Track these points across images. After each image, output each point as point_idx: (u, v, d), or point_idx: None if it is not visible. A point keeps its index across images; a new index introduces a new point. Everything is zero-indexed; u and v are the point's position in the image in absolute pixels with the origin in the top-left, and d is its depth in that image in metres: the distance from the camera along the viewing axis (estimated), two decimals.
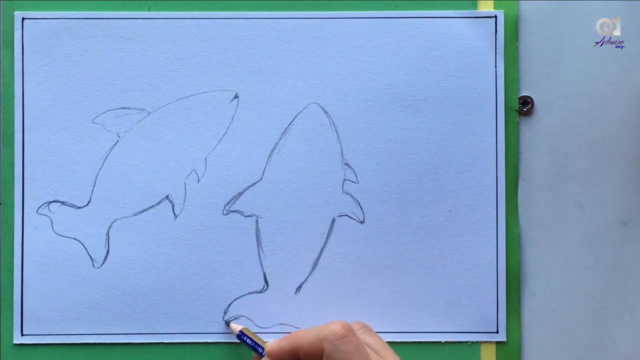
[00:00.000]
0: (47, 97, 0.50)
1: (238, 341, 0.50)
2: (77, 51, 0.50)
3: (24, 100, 0.50)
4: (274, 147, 0.50)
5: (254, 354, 0.48)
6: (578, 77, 0.51)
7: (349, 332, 0.42)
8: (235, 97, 0.50)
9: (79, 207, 0.50)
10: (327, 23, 0.50)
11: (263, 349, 0.47)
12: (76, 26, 0.50)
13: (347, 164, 0.50)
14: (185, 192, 0.50)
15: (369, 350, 0.43)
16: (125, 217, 0.50)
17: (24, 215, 0.50)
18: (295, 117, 0.50)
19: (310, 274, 0.50)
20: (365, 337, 0.45)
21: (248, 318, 0.50)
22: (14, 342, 0.50)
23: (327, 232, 0.50)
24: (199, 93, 0.50)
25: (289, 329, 0.50)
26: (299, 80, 0.50)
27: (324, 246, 0.50)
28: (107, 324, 0.50)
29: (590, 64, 0.51)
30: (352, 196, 0.50)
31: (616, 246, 0.51)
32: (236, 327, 0.49)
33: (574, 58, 0.51)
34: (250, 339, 0.48)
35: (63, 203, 0.50)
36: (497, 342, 0.50)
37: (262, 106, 0.50)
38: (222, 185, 0.50)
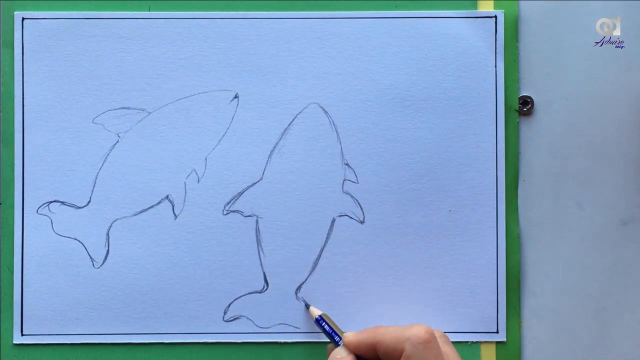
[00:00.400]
0: (47, 97, 0.50)
1: (238, 341, 0.50)
2: (77, 51, 0.50)
3: (24, 100, 0.50)
4: (274, 147, 0.50)
5: (329, 344, 0.48)
6: (578, 77, 0.51)
7: (432, 338, 0.42)
8: (235, 97, 0.50)
9: (79, 207, 0.50)
10: (327, 23, 0.50)
11: (340, 337, 0.46)
12: (76, 26, 0.50)
13: (347, 164, 0.50)
14: (185, 192, 0.50)
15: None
16: (125, 217, 0.50)
17: (24, 215, 0.50)
18: (295, 117, 0.50)
19: (310, 274, 0.50)
20: (444, 347, 0.44)
21: (248, 318, 0.50)
22: (14, 342, 0.50)
23: (327, 232, 0.50)
24: (199, 93, 0.50)
25: (289, 329, 0.50)
26: (299, 80, 0.50)
27: (324, 246, 0.50)
28: (107, 324, 0.50)
29: (590, 64, 0.51)
30: (352, 196, 0.50)
31: (616, 246, 0.51)
32: (315, 311, 0.49)
33: (574, 58, 0.51)
34: (329, 326, 0.47)
35: (63, 203, 0.50)
36: (497, 342, 0.50)
37: (262, 106, 0.50)
38: (222, 185, 0.50)
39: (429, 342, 0.42)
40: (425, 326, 0.42)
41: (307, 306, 0.49)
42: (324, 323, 0.47)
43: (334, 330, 0.47)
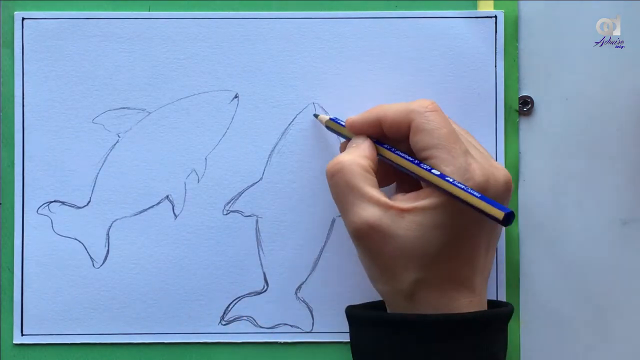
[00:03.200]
0: (47, 97, 0.50)
1: (238, 341, 0.50)
2: (77, 51, 0.50)
3: (24, 100, 0.50)
4: (274, 147, 0.50)
5: (340, 143, 0.48)
6: (578, 77, 0.51)
7: (437, 107, 0.43)
8: (235, 97, 0.50)
9: (79, 207, 0.50)
10: (327, 23, 0.50)
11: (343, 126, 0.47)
12: (76, 26, 0.50)
13: None
14: (185, 192, 0.50)
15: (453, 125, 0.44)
16: (125, 217, 0.50)
17: (24, 215, 0.50)
18: (295, 117, 0.50)
19: (310, 274, 0.50)
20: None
21: (248, 318, 0.50)
22: (14, 342, 0.50)
23: (327, 232, 0.50)
24: (199, 93, 0.50)
25: (289, 329, 0.50)
26: (299, 80, 0.50)
27: (324, 246, 0.50)
28: (107, 324, 0.50)
29: (590, 64, 0.51)
30: None
31: (616, 246, 0.51)
32: (323, 117, 0.49)
33: (574, 58, 0.51)
34: (335, 119, 0.48)
35: (63, 203, 0.50)
36: None
37: (262, 106, 0.50)
38: (222, 185, 0.50)
39: (436, 110, 0.43)
40: (428, 99, 0.43)
41: (316, 116, 0.50)
42: (338, 120, 0.48)
43: (338, 120, 0.48)
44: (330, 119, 0.48)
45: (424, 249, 0.41)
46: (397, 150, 0.44)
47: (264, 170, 0.50)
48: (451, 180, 0.41)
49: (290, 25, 0.50)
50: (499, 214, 0.39)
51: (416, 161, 0.43)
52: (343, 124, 0.47)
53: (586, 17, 0.51)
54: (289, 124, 0.50)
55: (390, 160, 0.44)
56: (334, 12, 0.50)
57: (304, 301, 0.50)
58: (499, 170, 0.43)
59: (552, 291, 0.51)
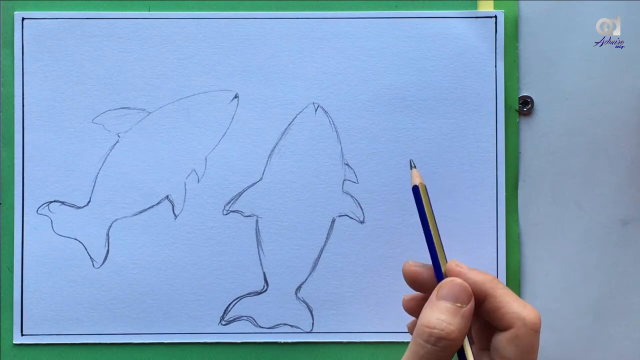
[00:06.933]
0: (47, 97, 0.50)
1: (238, 341, 0.50)
2: (77, 51, 0.50)
3: (24, 100, 0.50)
4: (274, 147, 0.50)
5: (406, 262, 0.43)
6: (578, 77, 0.51)
7: (540, 326, 0.39)
8: (235, 97, 0.50)
9: (79, 207, 0.50)
10: (327, 23, 0.50)
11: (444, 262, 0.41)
12: (76, 26, 0.50)
13: (347, 164, 0.50)
14: (185, 192, 0.50)
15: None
16: (125, 217, 0.50)
17: (24, 215, 0.50)
18: (295, 117, 0.50)
19: (310, 274, 0.50)
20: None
21: (248, 318, 0.50)
22: (14, 342, 0.50)
23: (327, 232, 0.50)
24: (199, 93, 0.50)
25: (289, 329, 0.50)
26: (299, 80, 0.50)
27: (324, 246, 0.50)
28: (107, 324, 0.50)
29: (590, 64, 0.51)
30: (352, 196, 0.50)
31: (616, 246, 0.51)
32: (417, 175, 0.43)
33: (574, 58, 0.51)
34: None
35: (63, 203, 0.50)
36: None
37: (262, 106, 0.50)
38: (222, 185, 0.50)
39: (538, 331, 0.39)
40: (539, 313, 0.39)
41: (412, 166, 0.44)
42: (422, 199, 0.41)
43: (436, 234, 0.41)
44: (425, 185, 0.43)
45: None
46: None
47: (264, 170, 0.50)
48: None
49: (290, 25, 0.50)
50: None
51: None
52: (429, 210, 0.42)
53: (586, 17, 0.51)
54: (289, 124, 0.50)
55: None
56: (334, 12, 0.50)
57: (304, 301, 0.50)
58: None
59: (552, 291, 0.51)
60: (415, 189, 0.42)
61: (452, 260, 0.41)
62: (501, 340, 0.39)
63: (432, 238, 0.41)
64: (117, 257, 0.50)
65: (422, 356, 0.39)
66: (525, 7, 0.51)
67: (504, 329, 0.39)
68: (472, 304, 0.40)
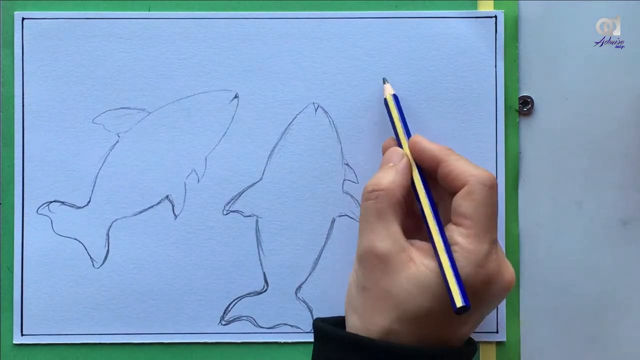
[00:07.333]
0: (47, 97, 0.50)
1: (238, 341, 0.50)
2: (77, 51, 0.50)
3: (24, 100, 0.50)
4: (274, 147, 0.50)
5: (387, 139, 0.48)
6: (578, 77, 0.51)
7: (496, 185, 0.42)
8: (235, 97, 0.50)
9: (79, 207, 0.50)
10: (327, 23, 0.50)
11: (409, 136, 0.46)
12: (76, 26, 0.50)
13: (347, 164, 0.50)
14: (185, 192, 0.50)
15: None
16: (125, 217, 0.50)
17: (24, 215, 0.50)
18: (295, 117, 0.50)
19: (310, 274, 0.50)
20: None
21: (248, 318, 0.50)
22: (14, 342, 0.50)
23: (327, 232, 0.50)
24: (199, 93, 0.50)
25: (289, 329, 0.50)
26: (299, 80, 0.50)
27: (324, 246, 0.50)
28: (107, 324, 0.50)
29: (590, 64, 0.51)
30: (352, 196, 0.50)
31: (616, 246, 0.51)
32: (389, 88, 0.49)
33: (574, 58, 0.51)
34: (397, 100, 0.47)
35: (63, 203, 0.50)
36: (497, 342, 0.50)
37: (262, 106, 0.50)
38: (222, 185, 0.50)
39: (493, 187, 0.42)
40: (493, 175, 0.43)
41: (384, 81, 0.49)
42: (398, 103, 0.47)
43: (405, 120, 0.47)
44: (394, 95, 0.48)
45: (410, 306, 0.41)
46: (429, 192, 0.44)
47: (264, 170, 0.50)
48: (448, 250, 0.41)
49: (290, 25, 0.50)
50: (458, 302, 0.39)
51: (437, 214, 0.43)
52: (402, 113, 0.47)
53: (586, 17, 0.51)
54: (289, 124, 0.50)
55: (417, 195, 0.44)
56: (334, 12, 0.50)
57: (304, 301, 0.50)
58: (509, 272, 0.43)
59: (552, 291, 0.51)
60: (385, 102, 0.48)
61: (416, 134, 0.46)
62: (457, 198, 0.42)
63: (399, 140, 0.47)
64: (117, 257, 0.50)
65: (363, 215, 0.44)
66: (525, 7, 0.51)
67: (460, 188, 0.42)
68: (404, 160, 0.45)
